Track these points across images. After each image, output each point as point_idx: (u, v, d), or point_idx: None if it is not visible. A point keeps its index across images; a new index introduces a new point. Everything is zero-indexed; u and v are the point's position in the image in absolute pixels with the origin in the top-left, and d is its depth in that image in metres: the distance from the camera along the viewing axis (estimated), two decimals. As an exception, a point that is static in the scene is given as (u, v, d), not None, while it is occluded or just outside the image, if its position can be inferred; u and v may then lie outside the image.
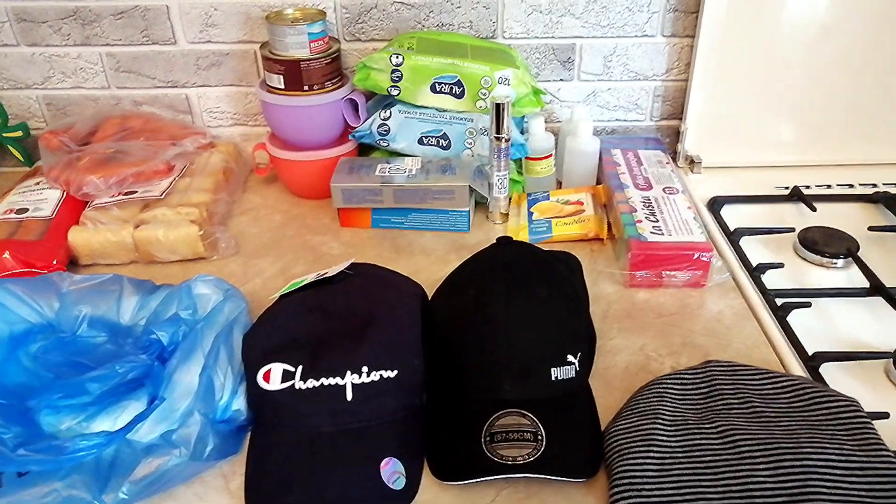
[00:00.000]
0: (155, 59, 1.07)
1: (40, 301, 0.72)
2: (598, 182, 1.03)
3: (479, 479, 0.59)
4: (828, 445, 0.58)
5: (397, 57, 0.95)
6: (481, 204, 1.00)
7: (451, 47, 0.98)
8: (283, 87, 0.95)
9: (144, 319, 0.74)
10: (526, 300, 0.66)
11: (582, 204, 0.96)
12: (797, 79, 1.03)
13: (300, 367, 0.63)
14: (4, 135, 1.08)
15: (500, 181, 0.94)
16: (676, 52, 1.06)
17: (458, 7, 1.02)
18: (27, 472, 0.56)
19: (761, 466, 0.58)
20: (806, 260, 0.89)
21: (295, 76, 0.94)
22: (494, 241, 0.74)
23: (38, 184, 0.98)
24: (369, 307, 0.68)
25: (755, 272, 0.85)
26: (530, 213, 0.97)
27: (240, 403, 0.66)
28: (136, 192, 0.95)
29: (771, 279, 0.84)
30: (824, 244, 0.89)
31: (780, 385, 0.66)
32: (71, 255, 0.90)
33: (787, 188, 1.03)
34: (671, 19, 1.03)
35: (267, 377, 0.63)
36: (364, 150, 1.06)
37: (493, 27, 1.04)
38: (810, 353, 0.73)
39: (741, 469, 0.58)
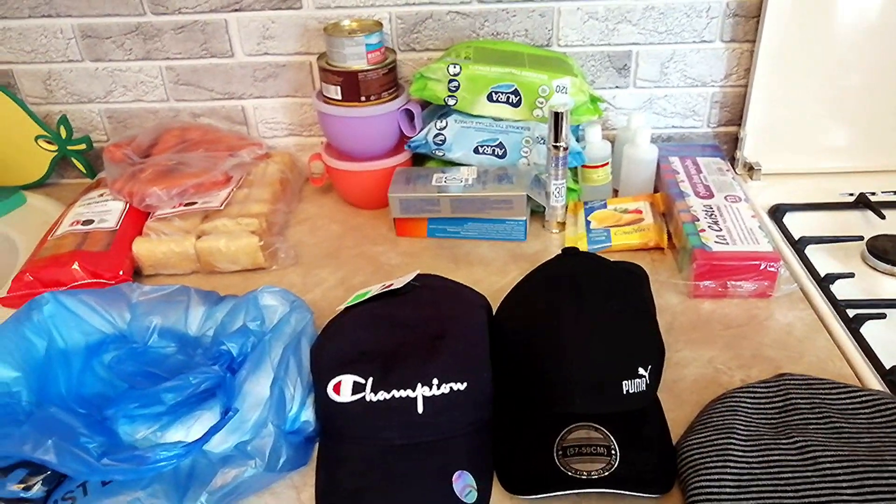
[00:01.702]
0: (213, 72, 1.09)
1: (112, 312, 0.73)
2: (656, 190, 1.01)
3: (551, 494, 0.59)
4: (914, 463, 0.56)
5: (455, 67, 0.95)
6: (537, 213, 0.99)
7: (507, 56, 0.98)
8: (340, 97, 0.96)
9: (212, 330, 0.75)
10: (596, 313, 0.65)
11: (641, 213, 0.95)
12: (858, 83, 1.00)
13: (371, 380, 0.63)
14: (69, 148, 1.11)
15: (558, 190, 0.93)
16: (736, 58, 1.04)
17: (514, 16, 1.02)
18: (111, 482, 0.57)
19: (844, 485, 0.56)
20: (876, 269, 0.87)
21: (352, 87, 0.95)
22: (560, 252, 0.74)
23: (101, 195, 1.00)
24: (438, 319, 0.68)
25: (824, 282, 0.83)
26: (588, 222, 0.96)
27: (308, 415, 0.67)
28: (197, 202, 0.97)
29: (841, 289, 0.82)
30: (895, 252, 0.86)
31: (859, 400, 0.64)
32: (135, 265, 0.92)
33: (851, 195, 1.00)
34: (731, 24, 1.01)
35: (337, 389, 0.64)
36: (418, 159, 1.06)
37: (549, 35, 1.03)
38: (888, 367, 0.71)
39: (823, 487, 0.56)
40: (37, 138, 1.10)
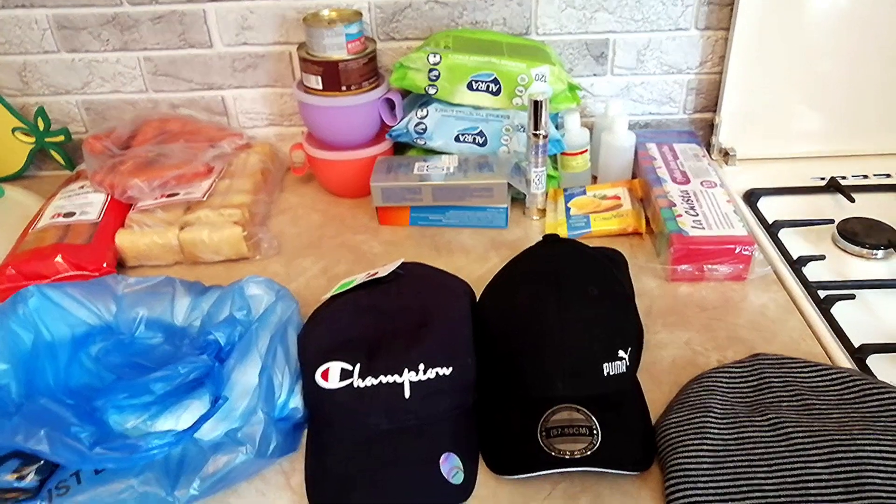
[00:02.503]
0: (192, 63, 1.08)
1: (98, 304, 0.73)
2: (634, 176, 1.03)
3: (536, 473, 0.61)
4: (881, 437, 0.59)
5: (435, 56, 0.96)
6: (517, 200, 1.01)
7: (487, 45, 0.98)
8: (321, 87, 0.96)
9: (198, 320, 0.75)
10: (577, 298, 0.67)
11: (619, 198, 0.97)
12: (831, 69, 1.03)
13: (358, 366, 0.64)
14: (47, 140, 1.10)
15: (538, 177, 0.95)
16: (711, 45, 1.06)
17: (492, 4, 1.03)
18: (103, 470, 0.57)
19: (815, 458, 0.58)
20: (846, 251, 0.89)
21: (333, 77, 0.95)
22: (541, 239, 0.75)
23: (81, 187, 0.99)
24: (423, 306, 0.69)
25: (796, 265, 0.86)
26: (568, 209, 0.97)
27: (296, 402, 0.68)
28: (179, 193, 0.97)
29: (812, 271, 0.85)
30: (864, 235, 0.89)
31: (829, 377, 0.67)
32: (119, 257, 0.92)
33: (823, 179, 1.03)
34: (705, 12, 1.03)
35: (325, 376, 0.65)
36: (399, 148, 1.07)
37: (527, 24, 1.05)
38: (856, 345, 0.73)
39: (795, 461, 0.59)
40: (13, 130, 1.09)
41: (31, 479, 0.57)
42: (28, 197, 1.08)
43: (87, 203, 0.96)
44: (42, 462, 0.58)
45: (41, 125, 1.09)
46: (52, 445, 0.55)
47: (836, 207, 0.98)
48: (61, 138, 1.11)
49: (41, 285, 0.72)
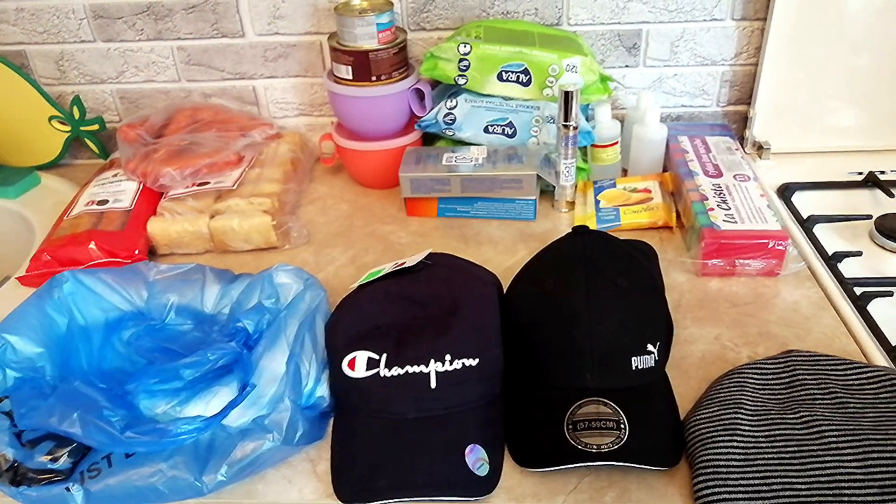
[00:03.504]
0: (224, 52, 1.09)
1: (130, 290, 0.75)
2: (665, 169, 1.02)
3: (562, 467, 0.60)
4: (918, 438, 0.57)
5: (465, 46, 0.95)
6: (546, 192, 1.00)
7: (517, 35, 0.98)
8: (351, 77, 0.97)
9: (227, 308, 0.76)
10: (606, 290, 0.66)
11: (650, 192, 0.96)
12: (868, 62, 1.00)
13: (385, 355, 0.64)
14: (82, 128, 1.12)
15: (568, 169, 0.94)
16: (746, 36, 1.04)
17: (523, -6, 1.02)
18: (134, 454, 0.58)
19: (849, 458, 0.57)
20: (884, 248, 0.87)
21: (363, 67, 0.95)
22: (571, 231, 0.74)
23: (115, 175, 1.01)
24: (451, 296, 0.69)
25: (831, 261, 0.84)
26: (597, 202, 0.96)
27: (323, 390, 0.68)
28: (209, 182, 0.98)
29: (848, 268, 0.83)
30: (904, 232, 0.87)
31: (864, 376, 0.65)
32: (150, 244, 0.93)
33: (860, 174, 1.01)
34: (742, 2, 1.01)
35: (352, 365, 0.65)
36: (428, 139, 1.06)
37: (559, 14, 1.03)
38: (893, 344, 0.72)
39: (828, 460, 0.58)
40: (50, 119, 1.11)
41: (64, 461, 0.58)
42: (63, 184, 1.10)
43: (120, 191, 0.97)
44: (75, 444, 0.59)
45: (76, 114, 1.11)
46: (84, 428, 0.56)
47: (873, 203, 0.95)
48: (96, 127, 1.13)
49: (75, 271, 0.73)
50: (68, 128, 1.12)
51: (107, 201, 0.95)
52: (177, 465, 0.58)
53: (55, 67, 1.11)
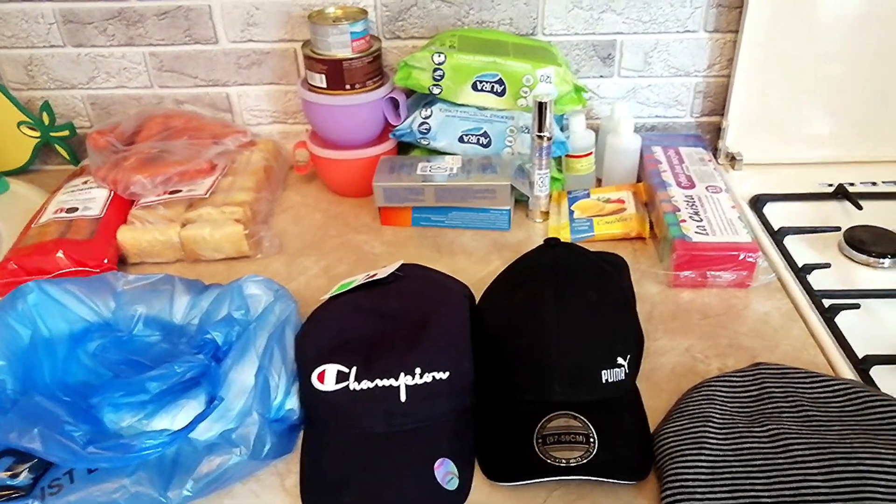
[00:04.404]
0: (197, 59, 1.08)
1: (97, 300, 0.74)
2: (639, 180, 1.02)
3: (531, 481, 0.60)
4: (882, 451, 0.58)
5: (439, 55, 0.95)
6: (521, 202, 1.00)
7: (492, 45, 0.98)
8: (325, 86, 0.96)
9: (196, 319, 0.75)
10: (576, 303, 0.66)
11: (623, 202, 0.96)
12: (840, 74, 1.02)
13: (354, 368, 0.64)
14: (52, 134, 1.10)
15: (542, 179, 0.94)
16: (719, 48, 1.05)
17: (499, 4, 1.02)
18: (96, 469, 0.57)
19: (814, 471, 0.58)
20: (853, 260, 0.88)
21: (337, 75, 0.95)
22: (542, 243, 0.75)
23: (85, 183, 0.99)
24: (421, 309, 0.69)
25: (801, 272, 0.85)
26: (571, 212, 0.97)
27: (293, 403, 0.67)
28: (181, 190, 0.97)
29: (817, 279, 0.84)
30: (872, 243, 0.88)
31: (831, 388, 0.66)
32: (120, 253, 0.92)
33: (831, 185, 1.02)
34: (714, 14, 1.02)
35: (322, 378, 0.65)
36: (403, 148, 1.06)
37: (534, 24, 1.04)
38: (860, 356, 0.72)
39: (794, 474, 0.58)
40: (19, 124, 1.09)
41: (24, 476, 0.57)
42: (32, 191, 1.08)
43: (89, 198, 0.96)
44: (36, 460, 0.58)
45: (46, 120, 1.09)
46: (45, 444, 0.55)
47: (843, 215, 0.97)
48: (66, 133, 1.11)
49: (40, 281, 0.72)
50: (38, 133, 1.10)
51: (76, 209, 0.94)
52: (141, 480, 0.57)
53: (24, 72, 1.09)
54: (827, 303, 0.80)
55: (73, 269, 0.86)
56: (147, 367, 0.65)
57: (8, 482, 0.57)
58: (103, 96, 1.12)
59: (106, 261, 0.88)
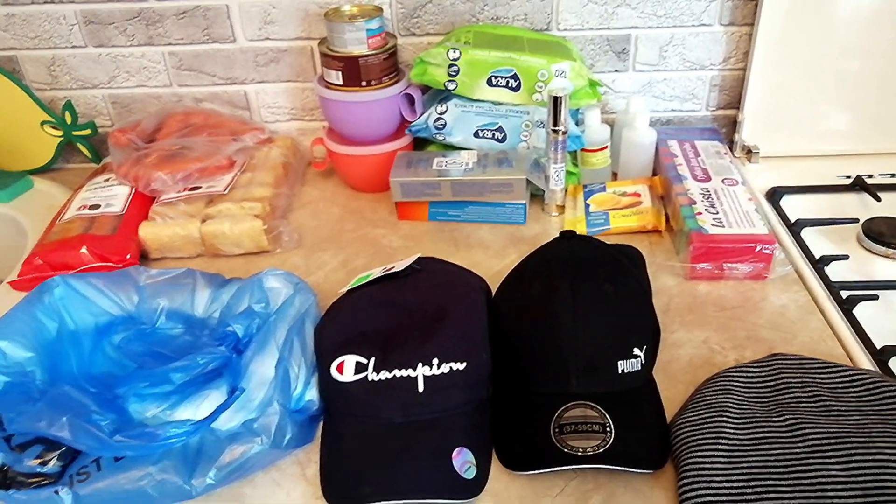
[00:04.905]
0: (215, 57, 1.09)
1: (121, 294, 0.75)
2: (655, 173, 1.02)
3: (548, 470, 0.61)
4: (901, 440, 0.58)
5: (454, 51, 0.96)
6: (536, 196, 1.01)
7: (507, 41, 0.98)
8: (341, 83, 0.97)
9: (217, 312, 0.76)
10: (592, 295, 0.67)
11: (639, 196, 0.96)
12: (857, 65, 1.01)
13: (372, 359, 0.65)
14: (74, 133, 1.12)
15: (557, 173, 0.95)
16: (735, 41, 1.04)
17: (513, 0, 1.02)
18: (123, 457, 0.59)
19: (832, 461, 0.58)
20: (871, 251, 0.88)
21: (353, 72, 0.96)
22: (558, 235, 0.75)
23: (107, 180, 1.01)
24: (438, 302, 0.69)
25: (819, 264, 0.85)
26: (587, 205, 0.97)
27: (312, 394, 0.68)
28: (201, 187, 0.98)
29: (835, 271, 0.84)
30: (891, 235, 0.88)
31: (849, 379, 0.66)
32: (142, 249, 0.93)
33: (848, 177, 1.01)
34: (730, 8, 1.02)
35: (340, 369, 0.65)
36: (419, 144, 1.07)
37: (548, 19, 1.04)
38: (879, 347, 0.72)
39: (812, 463, 0.58)
40: (42, 124, 1.12)
41: (53, 464, 0.59)
42: (56, 189, 1.10)
43: (112, 195, 0.98)
44: (64, 448, 0.59)
45: (69, 119, 1.11)
46: (73, 432, 0.56)
47: (861, 207, 0.96)
48: (88, 132, 1.13)
49: (66, 276, 0.74)
50: (60, 132, 1.12)
51: (99, 206, 0.96)
52: (166, 468, 0.58)
53: (47, 73, 1.11)
54: (845, 294, 0.79)
55: (97, 264, 0.88)
56: (170, 359, 0.66)
57: (38, 469, 0.58)
58: (124, 95, 1.14)
59: (128, 256, 0.89)
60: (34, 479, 0.58)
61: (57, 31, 1.07)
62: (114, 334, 0.73)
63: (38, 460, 0.58)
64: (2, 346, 0.65)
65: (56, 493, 0.57)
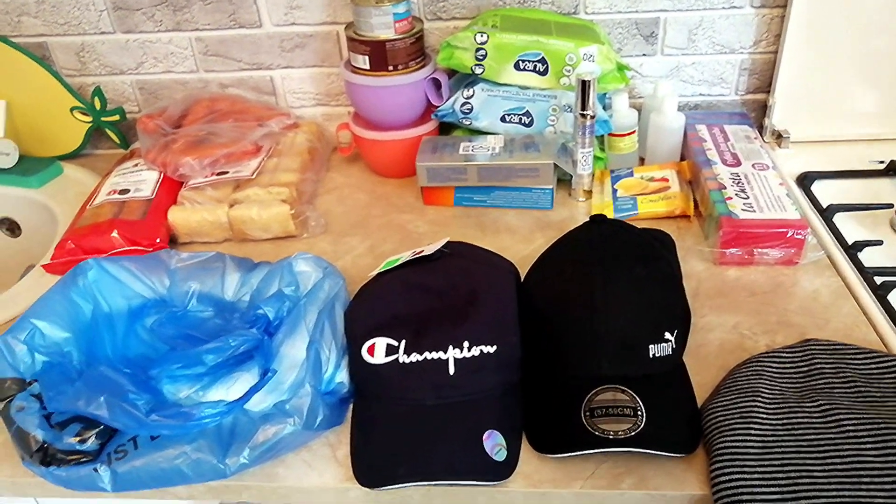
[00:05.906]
0: (241, 42, 1.10)
1: (153, 277, 0.76)
2: (683, 158, 1.01)
3: (579, 453, 0.61)
4: (938, 427, 0.57)
5: (482, 35, 0.95)
6: (563, 181, 1.00)
7: (534, 24, 0.98)
8: (368, 67, 0.97)
9: (247, 295, 0.77)
10: (624, 278, 0.67)
11: (667, 181, 0.96)
12: (890, 49, 0.99)
13: (404, 342, 0.65)
14: (103, 119, 1.13)
15: (585, 158, 0.94)
16: (766, 24, 1.03)
17: (541, -17, 1.02)
18: (159, 436, 0.59)
19: (868, 447, 0.57)
20: (905, 237, 0.87)
21: (380, 56, 0.96)
22: (588, 220, 0.75)
23: (135, 165, 1.02)
24: (469, 285, 0.69)
25: (851, 250, 0.83)
26: (614, 191, 0.96)
27: (343, 376, 0.69)
28: (228, 172, 0.99)
29: (868, 257, 0.82)
30: (925, 220, 0.86)
31: (884, 365, 0.65)
32: (171, 233, 0.94)
33: (881, 162, 1.00)
34: (761, -11, 1.00)
35: (371, 351, 0.66)
36: (445, 128, 1.07)
37: (576, 3, 1.03)
38: (914, 333, 0.71)
39: (847, 449, 0.58)
40: (72, 110, 1.13)
41: (91, 442, 0.60)
42: (85, 174, 1.12)
43: (141, 180, 0.99)
44: (102, 427, 0.60)
45: (98, 105, 1.12)
46: (111, 411, 0.57)
47: (895, 192, 0.94)
48: (116, 117, 1.14)
49: (99, 258, 0.75)
50: (90, 118, 1.13)
51: (128, 191, 0.97)
52: (200, 447, 0.59)
53: (76, 59, 1.12)
54: (879, 280, 0.78)
55: (128, 248, 0.89)
56: (202, 342, 0.67)
57: (77, 447, 0.59)
58: (151, 81, 1.14)
59: (158, 240, 0.90)
60: (73, 457, 0.59)
61: (86, 17, 1.08)
62: (146, 317, 0.74)
63: (77, 438, 0.59)
64: (40, 326, 0.66)
65: (95, 470, 0.59)
